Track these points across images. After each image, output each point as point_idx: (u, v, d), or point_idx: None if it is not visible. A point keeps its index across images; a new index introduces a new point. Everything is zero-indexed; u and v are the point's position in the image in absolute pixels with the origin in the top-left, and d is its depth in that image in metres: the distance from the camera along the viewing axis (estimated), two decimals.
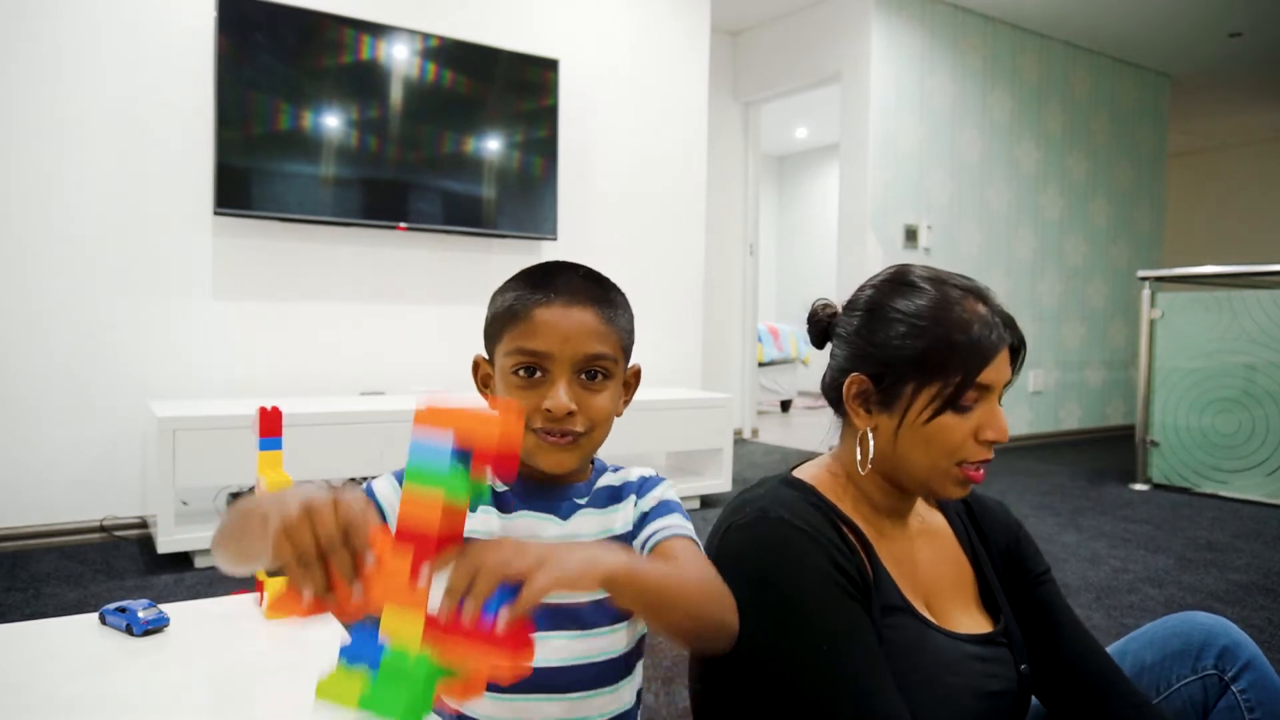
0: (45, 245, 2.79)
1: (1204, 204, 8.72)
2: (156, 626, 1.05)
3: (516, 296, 0.85)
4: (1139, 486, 4.18)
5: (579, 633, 0.82)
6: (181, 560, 2.62)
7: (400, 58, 3.28)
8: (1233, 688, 0.94)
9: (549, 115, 3.64)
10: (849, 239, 4.93)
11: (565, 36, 3.80)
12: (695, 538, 0.85)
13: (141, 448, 2.89)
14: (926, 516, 1.00)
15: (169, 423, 2.49)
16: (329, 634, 1.12)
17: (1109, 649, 1.01)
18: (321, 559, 0.58)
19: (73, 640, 1.03)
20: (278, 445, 1.16)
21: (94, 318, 2.87)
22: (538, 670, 0.79)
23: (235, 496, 2.76)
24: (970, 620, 0.94)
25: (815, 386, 5.45)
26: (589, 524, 0.86)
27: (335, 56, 3.16)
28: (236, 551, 0.72)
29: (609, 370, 0.85)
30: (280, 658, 1.03)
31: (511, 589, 0.58)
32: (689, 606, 0.73)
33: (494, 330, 0.88)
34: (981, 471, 0.90)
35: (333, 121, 3.16)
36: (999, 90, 5.41)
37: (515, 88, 3.55)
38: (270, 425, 1.15)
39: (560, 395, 0.81)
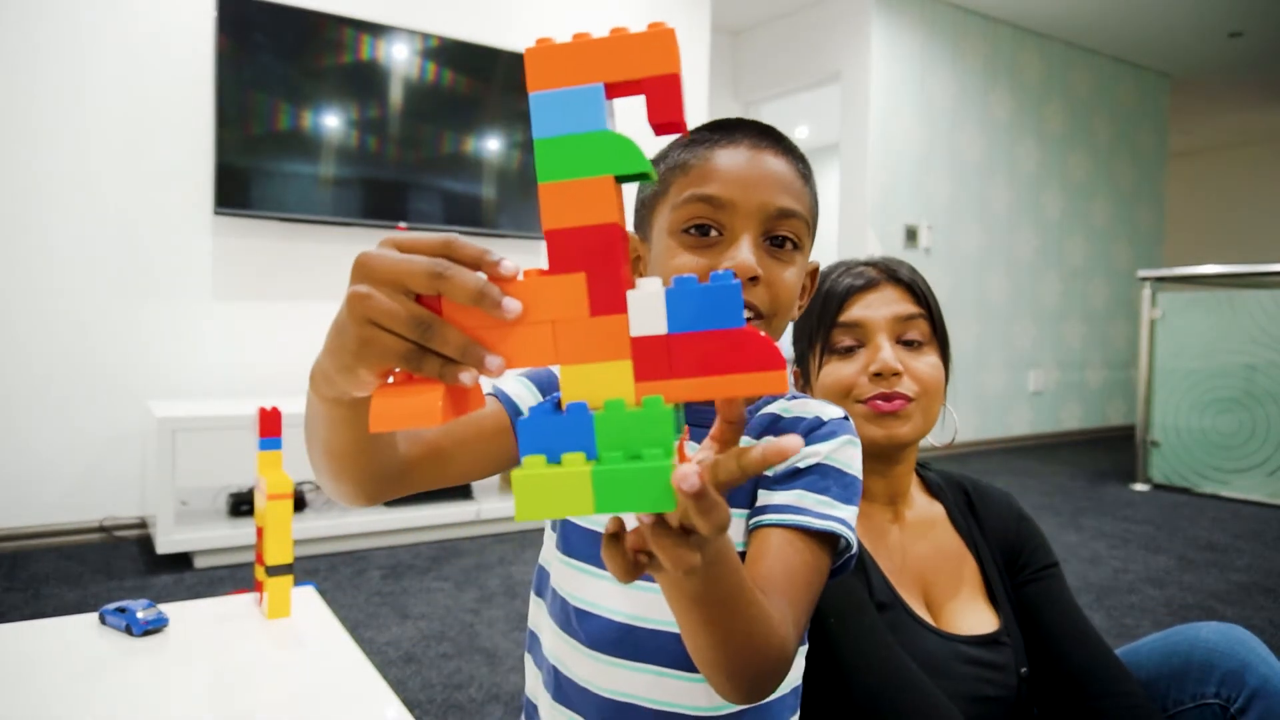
0: (45, 245, 2.78)
1: (1204, 204, 8.72)
2: (156, 627, 1.05)
3: (687, 146, 0.68)
4: (1139, 486, 4.17)
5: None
6: (181, 560, 2.62)
7: (400, 58, 3.28)
8: None
9: None
10: (849, 239, 4.92)
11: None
12: (842, 528, 0.64)
13: (141, 448, 2.89)
14: (923, 507, 0.98)
15: (168, 423, 2.49)
16: (327, 632, 1.11)
17: None
18: (428, 324, 0.39)
19: (72, 640, 1.02)
20: (278, 445, 1.16)
21: (94, 317, 2.86)
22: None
23: (235, 497, 2.76)
24: (974, 615, 0.91)
25: None
26: None
27: (335, 56, 3.15)
28: (334, 445, 0.53)
29: (799, 239, 0.68)
30: (280, 658, 1.02)
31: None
32: (730, 644, 0.52)
33: (653, 195, 0.70)
34: (891, 403, 0.89)
35: (332, 121, 3.16)
36: (999, 90, 5.40)
37: (515, 88, 3.55)
38: (270, 426, 1.16)
39: (744, 252, 0.64)
